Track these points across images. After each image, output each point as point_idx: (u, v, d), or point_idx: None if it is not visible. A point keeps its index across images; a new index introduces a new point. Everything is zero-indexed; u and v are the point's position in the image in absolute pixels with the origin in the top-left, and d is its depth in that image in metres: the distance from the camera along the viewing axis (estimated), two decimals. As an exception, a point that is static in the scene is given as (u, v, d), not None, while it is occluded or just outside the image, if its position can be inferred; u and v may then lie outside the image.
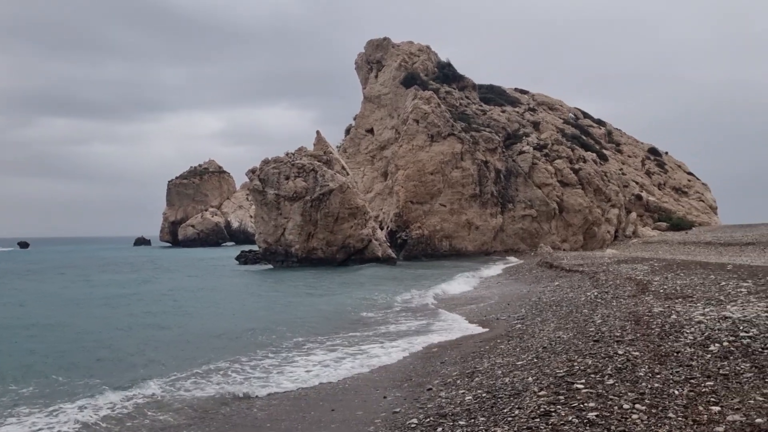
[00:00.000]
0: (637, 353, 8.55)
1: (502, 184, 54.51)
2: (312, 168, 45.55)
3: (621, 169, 67.14)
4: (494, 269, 37.46)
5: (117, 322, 18.82)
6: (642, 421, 5.91)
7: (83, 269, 49.48)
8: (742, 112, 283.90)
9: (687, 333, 9.46)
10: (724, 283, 15.24)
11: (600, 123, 77.77)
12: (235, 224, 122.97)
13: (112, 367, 12.34)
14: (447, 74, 64.07)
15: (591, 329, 11.31)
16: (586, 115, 77.84)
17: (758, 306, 11.17)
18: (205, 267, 50.11)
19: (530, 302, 18.90)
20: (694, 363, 7.73)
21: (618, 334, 10.19)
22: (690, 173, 75.79)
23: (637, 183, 67.04)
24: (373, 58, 66.12)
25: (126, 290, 29.75)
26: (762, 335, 8.67)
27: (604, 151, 67.38)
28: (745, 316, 10.13)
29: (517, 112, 64.90)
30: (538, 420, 6.28)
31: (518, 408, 6.95)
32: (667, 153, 78.95)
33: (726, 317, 10.22)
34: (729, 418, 5.73)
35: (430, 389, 9.38)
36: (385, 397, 9.41)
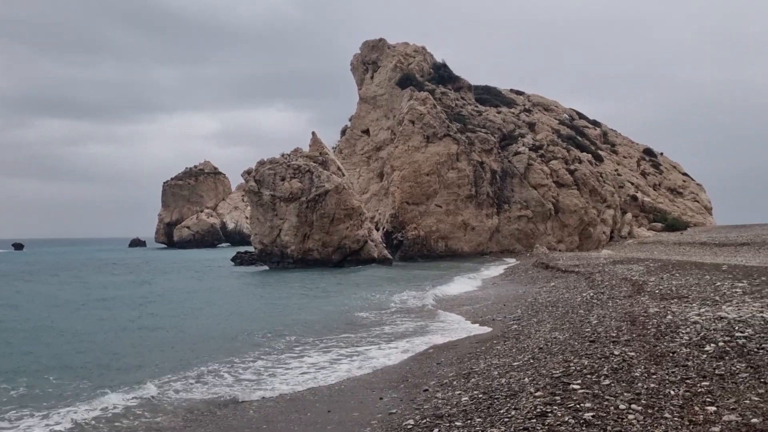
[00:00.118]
0: (633, 354, 8.55)
1: (497, 185, 54.60)
2: (308, 169, 45.54)
3: (616, 170, 67.37)
4: (490, 270, 37.52)
5: (111, 323, 18.76)
6: (638, 421, 5.91)
7: (78, 271, 49.30)
8: (741, 112, 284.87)
9: (683, 333, 9.48)
10: (719, 283, 15.28)
11: (595, 124, 78.02)
12: (230, 225, 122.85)
13: (106, 369, 12.28)
14: (442, 75, 64.14)
15: (587, 330, 11.32)
16: (581, 116, 78.08)
17: (753, 306, 11.20)
18: (200, 268, 49.99)
19: (526, 303, 18.92)
20: (689, 363, 7.74)
21: (614, 335, 10.20)
22: (685, 174, 76.06)
23: (632, 184, 67.26)
24: (369, 59, 66.12)
25: (121, 292, 29.65)
26: (757, 335, 8.69)
27: (600, 152, 67.59)
28: (740, 317, 10.16)
29: (513, 113, 65.00)
30: (534, 420, 6.27)
31: (515, 409, 6.94)
32: (662, 154, 79.23)
33: (721, 317, 10.25)
34: (725, 418, 5.74)
35: (427, 390, 9.36)
36: (381, 399, 9.38)
